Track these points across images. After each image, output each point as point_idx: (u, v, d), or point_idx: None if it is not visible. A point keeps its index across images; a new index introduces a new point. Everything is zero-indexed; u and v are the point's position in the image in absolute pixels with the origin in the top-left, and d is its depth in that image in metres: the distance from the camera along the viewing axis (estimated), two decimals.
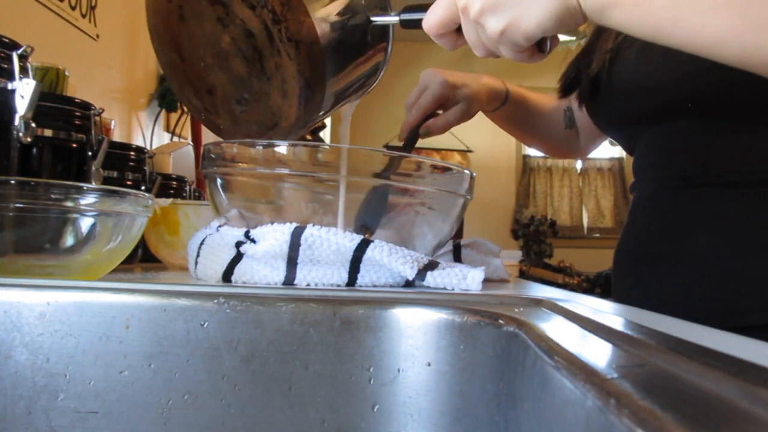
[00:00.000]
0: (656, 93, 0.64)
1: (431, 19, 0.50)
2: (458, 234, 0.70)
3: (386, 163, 0.52)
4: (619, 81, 0.68)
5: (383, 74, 0.61)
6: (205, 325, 0.38)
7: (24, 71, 0.63)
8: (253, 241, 0.49)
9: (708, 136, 0.62)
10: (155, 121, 1.84)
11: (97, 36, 1.47)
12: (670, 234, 0.64)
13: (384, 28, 0.56)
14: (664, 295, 0.64)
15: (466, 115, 0.83)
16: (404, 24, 0.54)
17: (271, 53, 0.49)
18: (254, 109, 0.53)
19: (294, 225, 0.48)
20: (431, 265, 0.49)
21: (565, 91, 0.79)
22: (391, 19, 0.54)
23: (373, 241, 0.48)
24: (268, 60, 0.49)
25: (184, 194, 1.16)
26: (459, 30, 0.50)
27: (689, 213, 0.63)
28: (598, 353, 0.25)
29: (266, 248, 0.47)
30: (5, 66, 0.61)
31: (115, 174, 0.87)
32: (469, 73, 0.85)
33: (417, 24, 0.52)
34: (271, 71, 0.50)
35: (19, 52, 0.62)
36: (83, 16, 1.40)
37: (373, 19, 0.54)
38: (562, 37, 0.52)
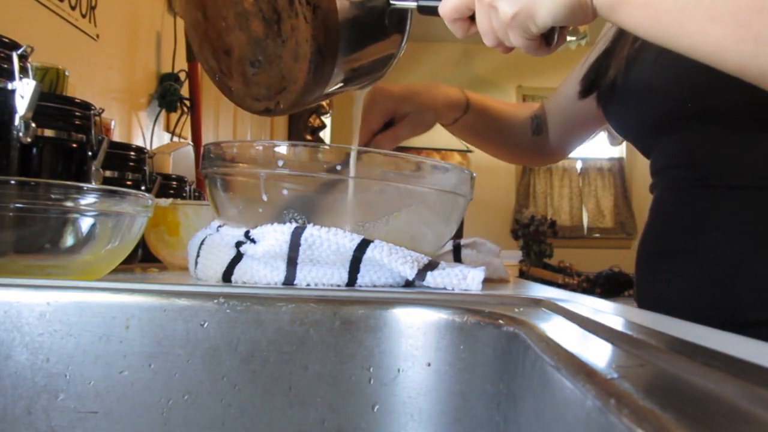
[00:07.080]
0: (671, 98, 0.65)
1: (447, 4, 0.52)
2: (458, 234, 0.70)
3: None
4: (636, 86, 0.68)
5: (394, 65, 0.62)
6: (205, 325, 0.38)
7: (24, 71, 0.63)
8: (253, 241, 0.49)
9: (724, 140, 0.63)
10: (155, 121, 1.83)
11: (97, 36, 1.47)
12: (688, 231, 0.65)
13: (402, 17, 0.58)
14: (684, 289, 0.65)
15: (419, 126, 0.80)
16: (421, 10, 0.55)
17: (289, 15, 0.51)
18: (266, 72, 0.55)
19: (294, 225, 0.48)
20: (431, 265, 0.49)
21: (584, 92, 0.79)
22: (410, 4, 0.56)
23: (373, 241, 0.48)
24: (285, 22, 0.51)
25: (184, 194, 1.16)
26: (472, 18, 0.52)
27: (705, 212, 0.64)
28: (598, 353, 0.25)
29: (266, 248, 0.48)
30: (5, 66, 0.61)
31: (115, 174, 0.87)
32: (428, 81, 0.83)
33: (433, 11, 0.54)
34: (286, 33, 0.52)
35: (19, 52, 0.62)
36: (83, 16, 1.39)
37: (393, 2, 0.56)
38: None
